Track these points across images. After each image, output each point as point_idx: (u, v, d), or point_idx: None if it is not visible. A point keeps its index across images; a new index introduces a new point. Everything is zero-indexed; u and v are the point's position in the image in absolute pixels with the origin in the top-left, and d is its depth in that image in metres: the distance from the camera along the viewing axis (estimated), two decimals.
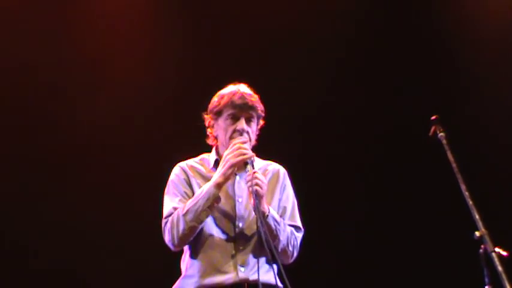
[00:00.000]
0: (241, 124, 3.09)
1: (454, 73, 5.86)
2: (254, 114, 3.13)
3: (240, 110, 3.10)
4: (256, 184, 2.93)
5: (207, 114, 3.22)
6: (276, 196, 3.20)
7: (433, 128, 2.86)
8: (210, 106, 3.20)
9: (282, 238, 3.06)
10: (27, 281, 5.16)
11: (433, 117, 2.89)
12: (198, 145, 3.31)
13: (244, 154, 2.99)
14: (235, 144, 3.03)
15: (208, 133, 3.24)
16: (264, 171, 3.23)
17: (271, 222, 3.00)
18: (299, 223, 3.24)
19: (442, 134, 2.83)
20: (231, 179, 3.07)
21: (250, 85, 3.25)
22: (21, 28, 5.41)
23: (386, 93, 5.86)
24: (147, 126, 5.45)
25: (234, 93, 3.12)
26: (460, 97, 5.78)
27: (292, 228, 3.17)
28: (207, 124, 3.23)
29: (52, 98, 5.35)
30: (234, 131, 3.08)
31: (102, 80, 5.46)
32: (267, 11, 5.78)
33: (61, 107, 5.37)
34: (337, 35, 5.86)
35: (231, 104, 3.10)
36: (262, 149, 3.28)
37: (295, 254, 3.17)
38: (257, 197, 2.91)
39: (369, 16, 5.94)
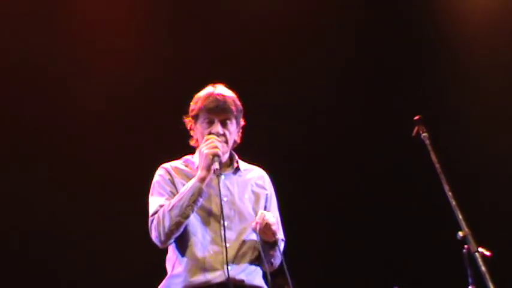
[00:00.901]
0: (216, 128, 3.10)
1: (437, 72, 5.90)
2: (229, 115, 3.13)
3: (214, 113, 3.10)
4: (271, 230, 2.99)
5: (187, 117, 3.23)
6: (261, 201, 3.22)
7: (416, 129, 2.87)
8: (189, 110, 3.21)
9: (278, 255, 3.11)
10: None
11: (416, 118, 2.89)
12: (181, 147, 3.30)
13: (217, 147, 3.00)
14: (208, 139, 3.05)
15: (191, 134, 3.24)
16: (248, 173, 3.26)
17: (277, 247, 3.06)
18: (282, 235, 3.28)
19: (425, 134, 2.83)
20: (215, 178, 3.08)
21: (236, 85, 3.25)
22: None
23: (372, 94, 5.89)
24: (131, 127, 5.44)
25: (207, 97, 3.13)
26: (443, 96, 5.82)
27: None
28: (188, 127, 3.23)
29: (39, 100, 5.34)
30: (210, 134, 3.09)
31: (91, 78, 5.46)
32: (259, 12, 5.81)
33: (50, 106, 5.36)
34: (327, 36, 5.91)
35: (204, 109, 3.11)
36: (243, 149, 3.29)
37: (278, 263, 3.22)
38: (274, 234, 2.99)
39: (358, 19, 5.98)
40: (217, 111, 3.10)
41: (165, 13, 5.76)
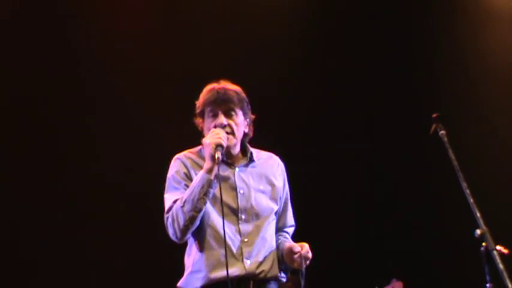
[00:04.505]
0: (220, 119, 3.12)
1: (453, 70, 5.88)
2: (232, 106, 3.15)
3: (216, 106, 3.14)
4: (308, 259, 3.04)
5: (195, 117, 3.26)
6: (277, 192, 3.24)
7: (433, 126, 2.87)
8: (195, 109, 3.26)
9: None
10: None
11: (434, 115, 2.89)
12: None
13: (220, 137, 3.03)
14: (213, 131, 3.07)
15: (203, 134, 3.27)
16: (266, 161, 3.29)
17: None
18: (293, 221, 3.37)
19: (442, 132, 2.84)
20: (230, 171, 3.14)
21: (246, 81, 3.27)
22: None
23: (387, 90, 5.88)
24: (150, 124, 5.46)
25: (208, 91, 3.18)
26: (458, 94, 5.80)
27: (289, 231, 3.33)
28: (200, 128, 3.26)
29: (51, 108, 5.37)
30: (215, 127, 3.11)
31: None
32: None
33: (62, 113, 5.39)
34: (333, 29, 5.91)
35: (207, 102, 3.16)
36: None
37: None
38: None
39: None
40: (219, 103, 3.13)
41: None
